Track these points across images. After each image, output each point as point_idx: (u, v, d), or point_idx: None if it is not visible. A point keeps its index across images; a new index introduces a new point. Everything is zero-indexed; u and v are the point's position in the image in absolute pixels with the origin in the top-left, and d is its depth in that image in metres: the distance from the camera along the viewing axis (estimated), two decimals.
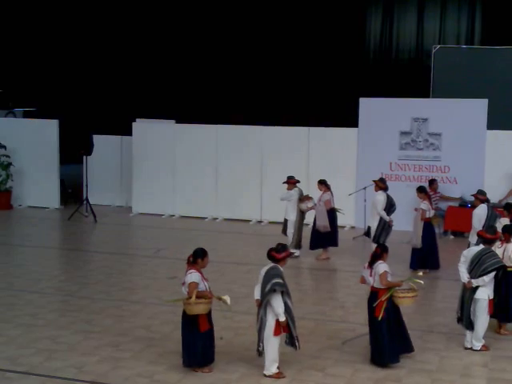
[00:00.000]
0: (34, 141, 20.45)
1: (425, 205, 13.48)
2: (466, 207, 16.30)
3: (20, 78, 28.62)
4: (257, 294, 8.51)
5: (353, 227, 17.81)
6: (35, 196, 20.63)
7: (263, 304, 8.37)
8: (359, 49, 26.61)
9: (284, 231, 14.99)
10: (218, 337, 8.84)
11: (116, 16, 28.29)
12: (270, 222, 18.28)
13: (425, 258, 13.52)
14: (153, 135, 19.70)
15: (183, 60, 27.90)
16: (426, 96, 20.32)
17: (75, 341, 9.67)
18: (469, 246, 11.65)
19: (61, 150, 20.57)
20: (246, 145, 18.77)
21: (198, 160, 19.19)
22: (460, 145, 17.13)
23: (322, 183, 14.86)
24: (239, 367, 8.80)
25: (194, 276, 8.44)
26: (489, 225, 11.14)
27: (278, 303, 8.31)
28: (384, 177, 15.45)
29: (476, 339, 9.46)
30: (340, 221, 15.36)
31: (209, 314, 8.54)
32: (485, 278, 9.25)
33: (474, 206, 13.02)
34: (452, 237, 17.02)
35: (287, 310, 8.38)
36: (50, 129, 20.44)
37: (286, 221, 14.98)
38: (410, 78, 24.57)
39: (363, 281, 9.11)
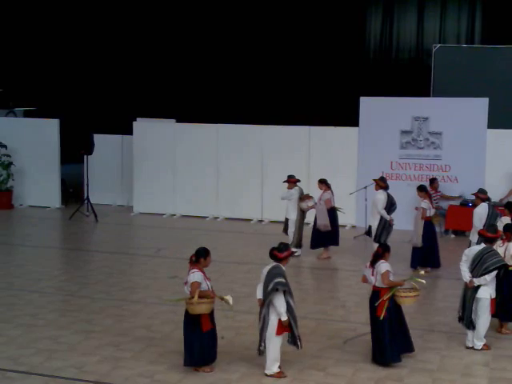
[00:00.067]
0: (35, 140, 20.45)
1: (425, 204, 13.48)
2: (467, 206, 16.29)
3: (20, 77, 28.60)
4: (259, 294, 8.50)
5: (354, 226, 17.81)
6: (36, 195, 20.63)
7: (266, 303, 8.37)
8: (360, 48, 26.59)
9: (285, 230, 14.99)
10: (220, 336, 8.82)
11: (116, 16, 28.27)
12: (271, 222, 18.28)
13: (425, 256, 13.52)
14: (153, 134, 19.70)
15: (183, 59, 27.88)
16: (427, 95, 20.31)
17: (75, 341, 9.67)
18: (470, 245, 11.67)
19: (61, 150, 20.56)
20: (247, 144, 18.77)
21: (199, 159, 19.19)
22: (461, 144, 17.13)
23: (323, 182, 14.86)
24: (240, 367, 8.79)
25: (196, 275, 8.43)
26: (489, 224, 11.12)
27: (280, 302, 8.30)
28: (385, 176, 15.43)
29: (477, 338, 9.46)
30: (341, 220, 15.36)
31: (211, 314, 8.54)
32: (486, 276, 9.25)
33: (474, 205, 13.01)
34: (453, 236, 17.01)
35: (289, 310, 8.37)
36: (50, 128, 20.43)
37: (286, 220, 14.97)
38: (411, 78, 24.55)
39: (365, 280, 9.10)
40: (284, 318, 8.32)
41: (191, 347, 8.47)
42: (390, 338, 8.77)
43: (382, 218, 13.76)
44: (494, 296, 9.42)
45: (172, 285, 12.26)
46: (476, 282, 9.31)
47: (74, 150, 19.25)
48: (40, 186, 20.47)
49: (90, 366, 8.79)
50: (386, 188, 13.89)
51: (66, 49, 28.77)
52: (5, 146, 20.38)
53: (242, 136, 18.87)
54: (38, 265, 14.04)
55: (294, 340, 8.55)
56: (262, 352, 8.51)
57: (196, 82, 27.51)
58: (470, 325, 9.45)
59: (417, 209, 13.86)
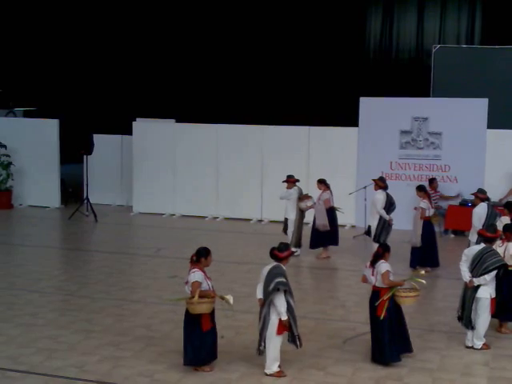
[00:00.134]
0: (35, 140, 20.44)
1: (424, 204, 13.49)
2: (466, 206, 16.29)
3: (20, 77, 28.60)
4: (259, 294, 8.51)
5: (353, 226, 17.81)
6: (36, 195, 20.63)
7: (267, 303, 8.37)
8: (359, 48, 26.59)
9: (285, 230, 15.00)
10: (219, 336, 8.82)
11: (116, 16, 28.27)
12: (271, 221, 18.29)
13: (424, 256, 13.52)
14: (153, 134, 19.70)
15: (183, 59, 27.89)
16: (427, 95, 20.34)
17: (75, 340, 9.67)
18: (469, 245, 11.67)
19: (61, 150, 20.56)
20: (247, 144, 18.77)
21: (199, 159, 19.19)
22: (460, 144, 17.14)
23: (322, 182, 14.87)
24: (240, 366, 8.80)
25: (197, 275, 8.44)
26: (489, 223, 11.13)
27: (280, 302, 8.31)
28: (384, 176, 15.44)
29: (477, 338, 9.46)
30: (340, 220, 15.37)
31: (212, 313, 8.54)
32: (486, 276, 9.25)
33: (474, 205, 13.02)
34: (452, 236, 17.02)
35: (289, 309, 8.39)
36: (50, 128, 20.43)
37: (286, 220, 14.98)
38: (411, 78, 24.56)
39: (365, 280, 9.12)
40: (284, 317, 8.33)
41: (191, 346, 8.47)
42: (389, 338, 8.78)
43: (381, 217, 13.77)
44: (493, 296, 9.43)
45: (172, 284, 12.27)
46: (476, 281, 9.32)
47: (74, 150, 19.25)
48: (40, 185, 20.47)
49: (90, 366, 8.80)
50: (385, 188, 13.90)
51: (66, 49, 28.78)
52: (4, 146, 20.39)
53: (241, 136, 18.88)
54: (37, 264, 14.05)
55: (293, 339, 8.57)
56: (261, 352, 8.51)
57: (196, 82, 27.51)
58: (469, 324, 9.45)
59: (416, 209, 13.87)
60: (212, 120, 20.22)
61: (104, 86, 28.58)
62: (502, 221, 11.65)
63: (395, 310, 8.90)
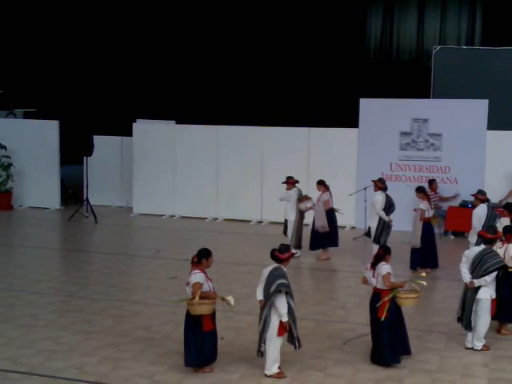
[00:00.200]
0: (35, 141, 20.46)
1: (424, 205, 13.48)
2: (466, 207, 16.29)
3: (20, 78, 28.63)
4: (259, 295, 8.50)
5: (353, 227, 17.81)
6: (35, 197, 20.63)
7: (267, 304, 8.37)
8: (360, 49, 26.61)
9: (285, 232, 14.99)
10: (219, 337, 8.82)
11: (116, 17, 28.30)
12: (271, 223, 18.29)
13: (424, 257, 13.51)
14: (153, 136, 19.71)
15: (183, 61, 27.91)
16: (427, 96, 20.33)
17: (75, 341, 9.67)
18: (468, 247, 11.66)
19: (61, 151, 20.56)
20: (247, 145, 18.78)
21: (199, 160, 19.20)
22: (460, 145, 17.14)
23: (321, 183, 14.87)
24: (240, 367, 8.80)
25: (198, 276, 8.44)
26: (488, 225, 11.13)
27: (281, 304, 8.31)
28: (384, 177, 15.45)
29: (477, 339, 9.46)
30: (340, 221, 15.37)
31: (213, 315, 8.54)
32: (486, 277, 9.26)
33: (474, 206, 13.02)
34: (452, 237, 17.02)
35: (290, 311, 8.39)
36: (50, 129, 20.44)
37: (286, 221, 14.98)
38: (411, 79, 24.58)
39: (365, 281, 9.12)
40: (285, 319, 8.33)
41: (192, 348, 8.46)
42: (389, 339, 8.78)
43: (380, 219, 13.75)
44: (494, 297, 9.43)
45: (172, 285, 12.27)
46: (476, 283, 9.32)
47: (74, 152, 19.26)
48: (40, 187, 20.47)
49: (90, 367, 8.80)
50: (384, 189, 13.89)
51: (66, 50, 28.81)
52: (4, 148, 20.40)
53: (241, 137, 18.89)
54: (37, 266, 14.05)
55: (292, 340, 8.57)
56: (262, 353, 8.50)
57: (196, 83, 27.53)
58: (469, 326, 9.45)
59: (415, 210, 13.87)
60: (212, 121, 20.24)
61: (104, 87, 28.61)
62: (502, 222, 11.65)
63: (395, 311, 8.91)
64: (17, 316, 10.74)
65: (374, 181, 14.11)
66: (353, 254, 15.27)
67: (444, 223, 16.99)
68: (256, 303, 8.64)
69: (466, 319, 9.48)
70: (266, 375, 8.52)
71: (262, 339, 8.46)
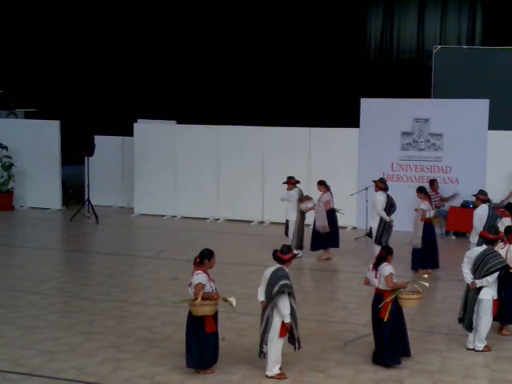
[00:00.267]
0: (36, 142, 20.46)
1: (425, 205, 13.48)
2: (467, 207, 16.29)
3: (21, 78, 28.62)
4: (261, 296, 8.50)
5: (354, 228, 17.81)
6: (37, 197, 20.64)
7: (270, 305, 8.37)
8: (360, 49, 26.61)
9: (286, 232, 14.97)
10: (220, 338, 8.82)
11: (117, 16, 28.30)
12: (272, 223, 18.28)
13: (425, 258, 13.50)
14: (154, 136, 19.71)
15: (184, 61, 27.91)
16: (427, 96, 20.32)
17: (77, 342, 9.67)
18: (469, 247, 11.65)
19: (62, 151, 20.56)
20: (247, 145, 18.78)
21: (199, 160, 19.20)
22: (461, 145, 17.13)
23: (322, 184, 14.86)
24: (241, 368, 8.80)
25: (200, 277, 8.43)
26: (490, 225, 11.12)
27: (284, 304, 8.31)
28: (385, 177, 15.45)
29: (479, 340, 9.46)
30: (342, 221, 15.37)
31: (215, 316, 8.54)
32: (488, 278, 9.25)
33: (475, 207, 13.01)
34: (454, 237, 17.01)
35: (292, 313, 8.39)
36: (51, 130, 20.44)
37: (287, 222, 14.97)
38: (411, 79, 24.57)
39: (367, 282, 9.13)
40: (287, 320, 8.33)
41: (194, 349, 8.45)
42: (390, 340, 8.79)
43: (381, 219, 13.73)
44: (496, 297, 9.43)
45: (173, 286, 12.27)
46: (478, 283, 9.31)
47: (75, 152, 19.26)
48: (41, 187, 20.48)
49: (91, 368, 8.80)
50: (385, 189, 13.87)
51: (67, 50, 28.80)
52: (6, 148, 20.40)
53: (242, 137, 18.88)
54: (38, 266, 14.05)
55: (292, 341, 8.57)
56: (264, 354, 8.48)
57: (196, 83, 27.53)
58: (470, 326, 9.45)
59: (416, 210, 13.86)
60: (213, 121, 20.24)
61: (105, 87, 28.61)
62: (504, 222, 11.64)
63: (397, 312, 8.91)
64: (18, 317, 10.74)
65: (374, 181, 14.10)
66: (354, 255, 15.27)
67: (445, 223, 16.97)
68: (257, 304, 8.64)
69: (467, 320, 9.47)
70: (267, 376, 8.51)
71: (263, 340, 8.45)
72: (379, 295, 8.89)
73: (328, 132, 18.33)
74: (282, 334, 8.40)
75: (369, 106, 17.87)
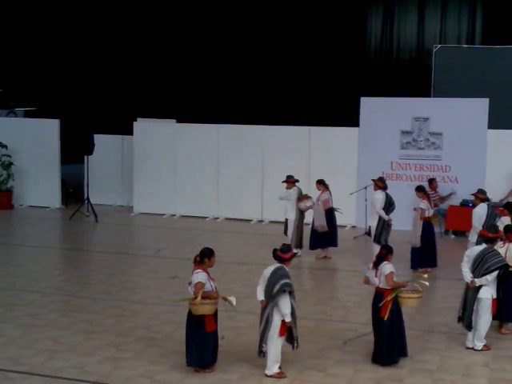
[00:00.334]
0: (35, 140, 20.45)
1: (424, 204, 13.48)
2: (466, 206, 16.29)
3: (21, 77, 28.60)
4: (260, 295, 8.50)
5: (354, 227, 17.81)
6: (36, 196, 20.63)
7: (271, 304, 8.37)
8: (360, 48, 26.57)
9: (286, 231, 14.97)
10: (220, 337, 8.83)
11: (116, 16, 28.27)
12: (271, 222, 18.28)
13: (424, 257, 13.51)
14: (154, 135, 19.71)
15: (184, 59, 27.88)
16: (427, 95, 20.32)
17: (76, 341, 9.67)
18: (467, 247, 11.65)
19: (62, 150, 20.56)
20: (247, 144, 18.78)
21: (199, 159, 19.19)
22: (461, 144, 17.13)
23: (321, 183, 14.87)
24: (241, 367, 8.81)
25: (200, 276, 8.44)
26: (489, 224, 11.13)
27: (285, 304, 8.32)
28: (385, 176, 15.45)
29: (478, 339, 9.46)
30: (341, 220, 15.38)
31: (215, 315, 8.54)
32: (488, 277, 9.26)
33: (474, 206, 13.02)
34: (453, 236, 17.02)
35: (292, 312, 8.39)
36: (51, 128, 20.44)
37: (286, 220, 14.97)
38: (411, 78, 24.55)
39: (367, 281, 9.14)
40: (288, 319, 8.33)
41: (194, 348, 8.46)
42: (389, 339, 8.79)
43: (380, 218, 13.72)
44: (495, 296, 9.43)
45: (172, 285, 12.27)
46: (477, 282, 9.32)
47: (75, 150, 19.25)
48: (40, 186, 20.47)
49: (91, 367, 8.80)
50: (384, 188, 13.87)
51: (67, 49, 28.77)
52: (5, 146, 20.40)
53: (242, 136, 18.88)
54: (38, 265, 14.05)
55: (291, 340, 8.57)
56: (264, 353, 8.49)
57: (196, 82, 27.50)
58: (470, 325, 9.45)
59: (415, 209, 13.86)
60: (213, 120, 20.23)
61: (104, 86, 28.58)
62: (503, 221, 11.65)
63: (396, 311, 8.91)
64: (17, 316, 10.75)
65: (374, 180, 14.09)
66: (353, 254, 15.27)
67: (444, 222, 16.98)
68: (256, 303, 8.65)
69: (466, 318, 9.48)
70: (267, 375, 8.52)
71: (263, 339, 8.46)
72: (379, 294, 8.89)
73: (328, 131, 18.34)
74: (281, 333, 8.41)
75: (368, 105, 17.87)
